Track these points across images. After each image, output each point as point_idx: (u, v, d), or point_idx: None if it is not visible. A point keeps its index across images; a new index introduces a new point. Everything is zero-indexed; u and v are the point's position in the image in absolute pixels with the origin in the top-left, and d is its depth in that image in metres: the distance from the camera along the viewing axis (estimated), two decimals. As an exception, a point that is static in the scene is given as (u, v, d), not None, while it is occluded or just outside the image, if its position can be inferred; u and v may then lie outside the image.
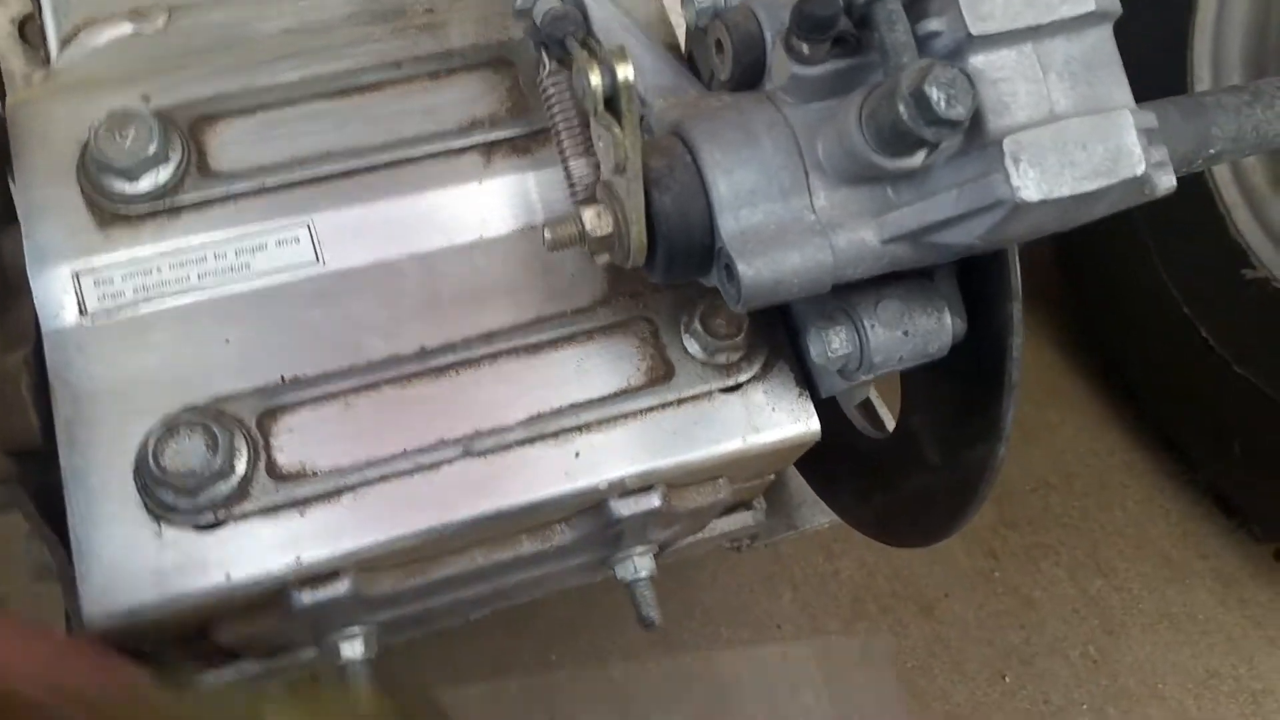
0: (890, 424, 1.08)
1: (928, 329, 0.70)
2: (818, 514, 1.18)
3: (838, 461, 1.01)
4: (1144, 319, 1.61)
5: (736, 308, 0.63)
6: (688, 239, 0.62)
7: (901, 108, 0.55)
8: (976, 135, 0.58)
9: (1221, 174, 1.48)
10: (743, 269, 0.60)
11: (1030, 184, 0.57)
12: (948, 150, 0.59)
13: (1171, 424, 1.68)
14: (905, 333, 0.70)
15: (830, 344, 0.69)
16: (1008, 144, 0.56)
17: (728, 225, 0.61)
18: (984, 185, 0.58)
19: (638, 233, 0.61)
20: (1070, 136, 0.58)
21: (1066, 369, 1.82)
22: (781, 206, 0.61)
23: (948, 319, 0.71)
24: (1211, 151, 0.73)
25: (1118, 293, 1.66)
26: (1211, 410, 1.55)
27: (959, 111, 0.55)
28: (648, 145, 0.61)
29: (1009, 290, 0.70)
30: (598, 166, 0.69)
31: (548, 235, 0.63)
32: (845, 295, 0.70)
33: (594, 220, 0.63)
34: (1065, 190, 0.57)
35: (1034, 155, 0.57)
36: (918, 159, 0.59)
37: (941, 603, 1.56)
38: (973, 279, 0.73)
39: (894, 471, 0.93)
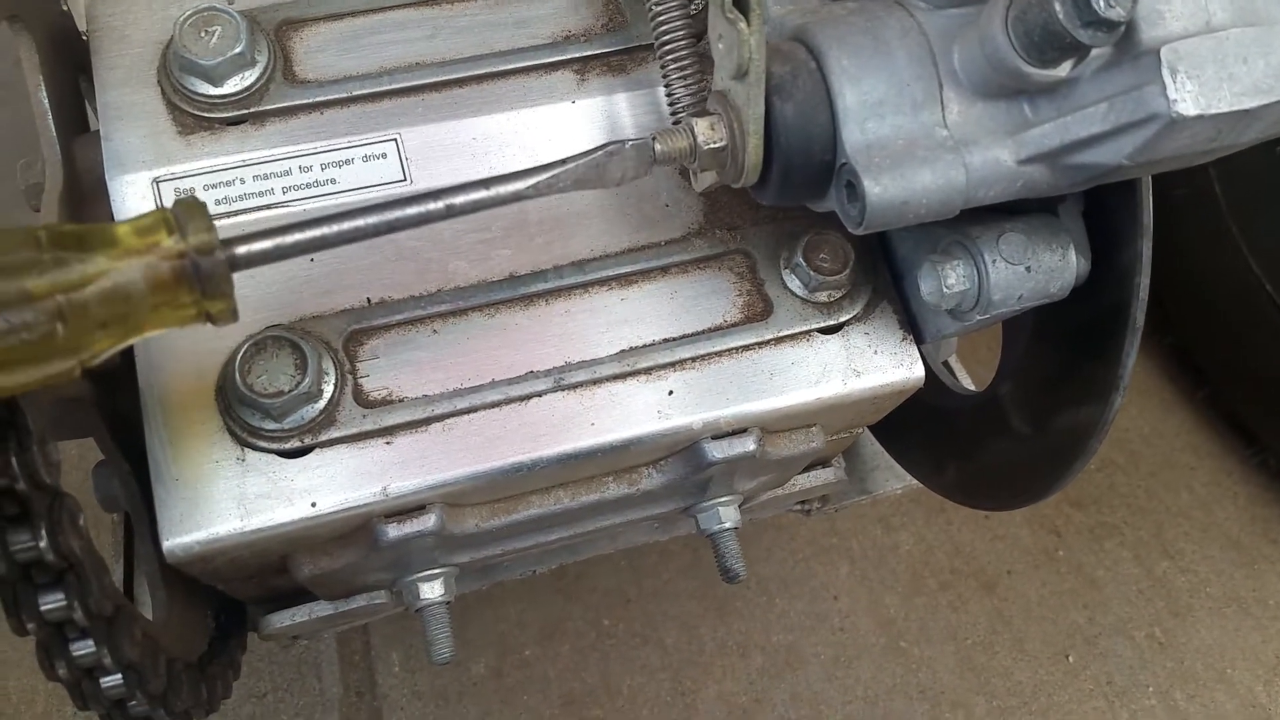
0: (970, 387, 1.04)
1: (1051, 266, 0.66)
2: (890, 480, 1.14)
3: (918, 425, 0.97)
4: (1221, 296, 1.56)
5: (857, 230, 0.59)
6: (808, 153, 0.58)
7: (1057, 6, 0.51)
8: (1128, 46, 0.54)
9: (1311, 144, 1.42)
10: (869, 185, 0.56)
11: (1188, 97, 0.53)
12: (1096, 61, 0.55)
13: (1244, 405, 1.63)
14: (1028, 269, 0.66)
15: (946, 279, 0.66)
16: (1165, 53, 0.53)
17: (853, 138, 0.57)
18: (1137, 98, 0.54)
19: (755, 145, 0.58)
20: (1230, 49, 0.54)
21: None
22: (912, 120, 0.57)
23: (1073, 256, 0.67)
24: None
25: (1192, 270, 1.60)
26: (1289, 390, 1.50)
27: (1118, 12, 0.51)
28: (769, 51, 0.57)
29: (1139, 227, 0.66)
30: (699, 86, 0.66)
31: (657, 147, 0.60)
32: (963, 228, 0.66)
33: (707, 131, 0.59)
34: (1224, 105, 0.53)
35: (1192, 66, 0.53)
36: (1065, 68, 0.55)
37: (1003, 580, 1.52)
38: (1097, 219, 0.69)
39: (978, 438, 0.89)
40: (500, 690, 1.36)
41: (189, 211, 0.48)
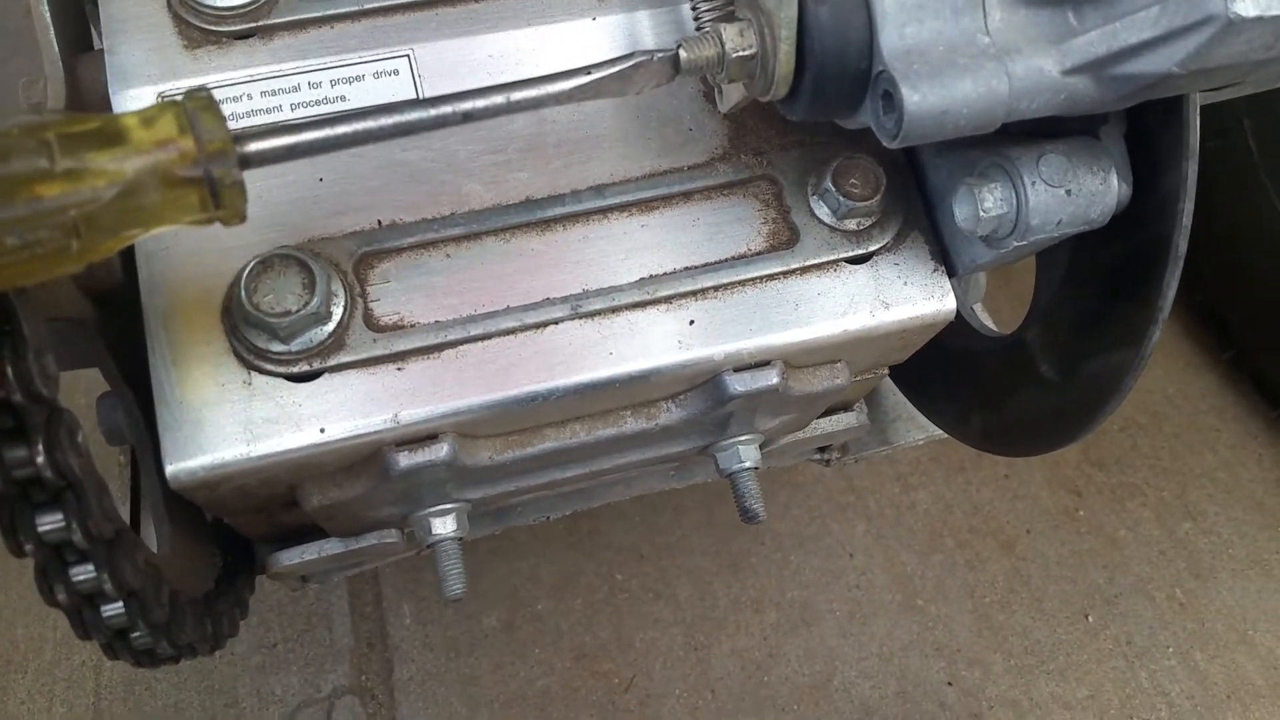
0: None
1: (1092, 190, 0.63)
2: (912, 431, 1.12)
3: (941, 371, 0.95)
4: (1252, 254, 1.52)
5: (892, 143, 0.56)
6: (842, 59, 0.55)
7: (1113, -106, 0.47)
8: (1184, -55, 0.51)
9: (1347, 95, 1.37)
10: (907, 93, 0.53)
11: (1247, -3, 0.49)
12: (1148, -37, 0.52)
13: (1271, 366, 1.59)
14: (1068, 192, 0.63)
15: (983, 202, 0.63)
16: (1224, -50, 0.49)
17: (891, 42, 0.54)
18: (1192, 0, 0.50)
19: (786, 52, 0.55)
20: (1293, -53, 0.50)
21: (1158, 305, 1.73)
22: (952, 25, 0.54)
23: (1114, 180, 0.64)
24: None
25: (1223, 226, 1.56)
26: (1319, 350, 1.47)
27: (1177, -98, 0.47)
28: (802, -49, 0.54)
29: (1184, 148, 0.63)
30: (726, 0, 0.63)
31: (683, 55, 0.57)
32: (1001, 149, 0.63)
33: (736, 38, 0.56)
34: (1285, 6, 0.50)
35: (1253, -35, 0.49)
36: (1116, -31, 0.52)
37: (1022, 539, 1.50)
38: (1138, 145, 0.66)
39: (1003, 384, 0.86)
40: (512, 643, 1.34)
41: (201, 105, 0.46)
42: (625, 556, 1.44)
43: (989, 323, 1.07)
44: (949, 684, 1.37)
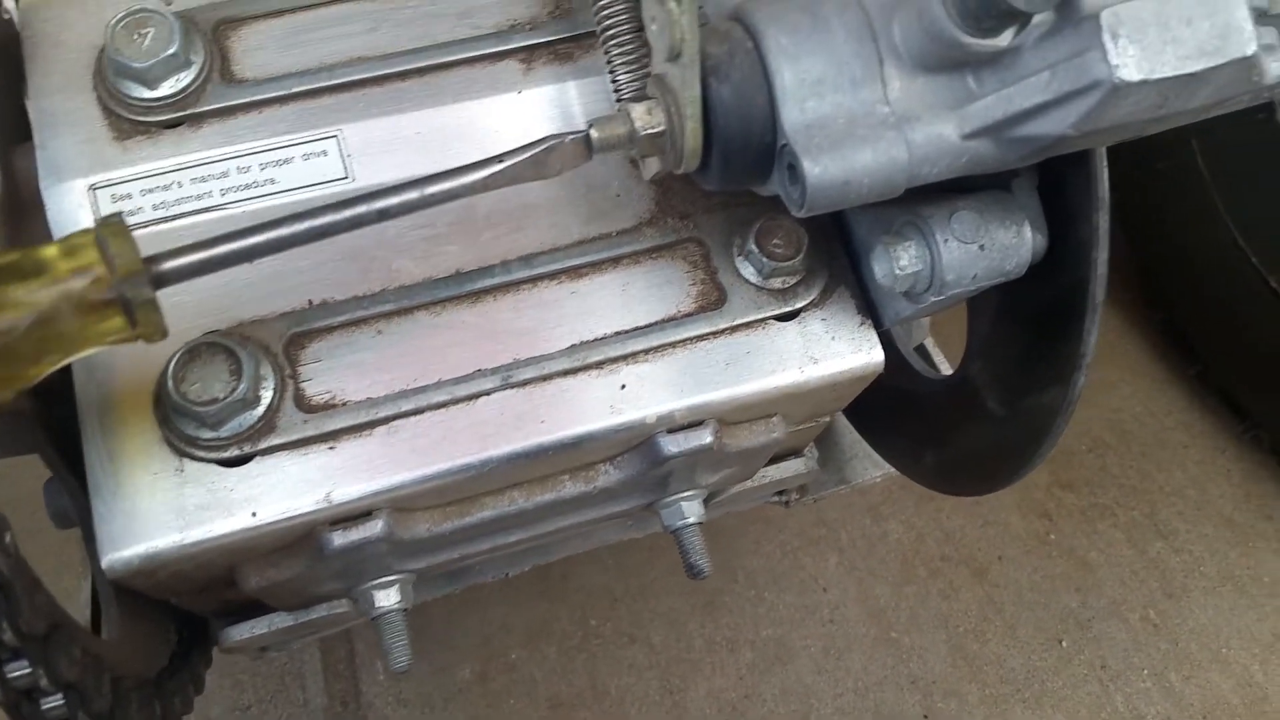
0: (947, 370, 1.02)
1: (1006, 243, 0.65)
2: (870, 468, 1.13)
3: (893, 412, 0.96)
4: (1208, 271, 1.54)
5: (799, 213, 0.57)
6: (747, 135, 0.56)
7: (991, -28, 0.49)
8: (1069, 12, 0.52)
9: (1293, 114, 1.40)
10: (808, 166, 0.54)
11: (1130, 62, 0.51)
12: (1038, 29, 0.53)
13: (1235, 381, 1.61)
14: (981, 247, 0.64)
15: (899, 261, 0.64)
16: (1106, 17, 0.51)
17: (792, 118, 0.55)
18: (1078, 65, 0.52)
19: (692, 129, 0.56)
20: (1173, 11, 0.52)
21: (1123, 327, 1.75)
22: (851, 98, 0.56)
23: (1027, 232, 0.65)
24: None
25: (1179, 245, 1.59)
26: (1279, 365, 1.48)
27: (1053, -24, 0.49)
28: (705, 31, 0.55)
29: (1095, 200, 0.64)
30: (644, 72, 0.64)
31: (594, 135, 0.58)
32: (915, 208, 0.65)
33: (644, 117, 0.57)
34: (1168, 70, 0.51)
35: (1134, 30, 0.51)
36: (1005, 38, 0.53)
37: (994, 566, 1.51)
38: (1053, 194, 0.67)
39: (953, 421, 0.88)
40: (486, 695, 1.34)
41: (112, 233, 0.47)
42: (598, 600, 1.44)
43: (940, 357, 1.08)
44: (925, 716, 1.37)
